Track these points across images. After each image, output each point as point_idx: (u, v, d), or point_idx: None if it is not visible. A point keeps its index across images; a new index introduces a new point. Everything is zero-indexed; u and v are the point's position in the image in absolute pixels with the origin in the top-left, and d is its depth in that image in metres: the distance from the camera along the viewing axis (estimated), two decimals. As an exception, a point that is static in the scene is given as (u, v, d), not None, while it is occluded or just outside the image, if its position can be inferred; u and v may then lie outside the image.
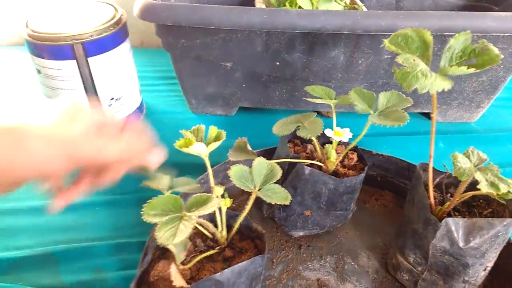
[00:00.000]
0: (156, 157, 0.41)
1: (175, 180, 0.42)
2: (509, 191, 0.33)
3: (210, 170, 0.40)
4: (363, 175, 0.46)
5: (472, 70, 0.33)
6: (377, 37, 0.55)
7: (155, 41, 0.62)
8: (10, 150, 0.32)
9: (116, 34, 0.61)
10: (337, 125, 0.47)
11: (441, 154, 0.62)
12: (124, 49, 0.63)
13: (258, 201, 0.39)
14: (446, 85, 0.33)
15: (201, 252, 0.39)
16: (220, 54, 0.61)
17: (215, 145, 0.39)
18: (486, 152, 0.64)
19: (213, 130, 0.40)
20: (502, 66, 0.60)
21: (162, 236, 0.31)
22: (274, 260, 0.48)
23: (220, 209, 0.39)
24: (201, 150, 0.38)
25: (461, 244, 0.38)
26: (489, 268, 0.41)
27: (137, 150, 0.39)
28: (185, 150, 0.37)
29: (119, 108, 0.66)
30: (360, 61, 0.59)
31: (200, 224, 0.39)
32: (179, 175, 0.43)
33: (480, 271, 0.40)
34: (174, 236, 0.31)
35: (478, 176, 0.34)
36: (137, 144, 0.39)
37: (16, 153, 0.32)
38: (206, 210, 0.33)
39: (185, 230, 0.31)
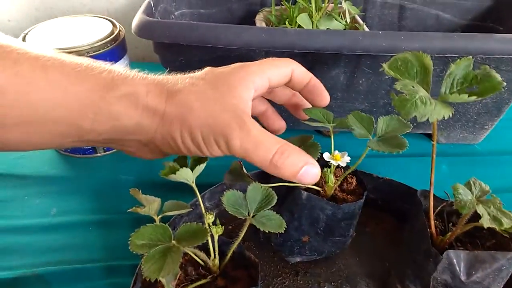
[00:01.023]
0: (311, 172, 0.36)
1: (166, 204, 0.41)
2: (512, 226, 0.31)
3: (199, 197, 0.39)
4: (362, 201, 0.45)
5: (473, 98, 0.32)
6: (378, 57, 0.54)
7: (156, 56, 0.61)
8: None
9: (114, 50, 0.60)
10: (337, 145, 0.45)
11: (444, 177, 0.61)
12: (122, 65, 0.62)
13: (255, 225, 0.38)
14: (446, 112, 0.32)
15: (192, 281, 0.38)
16: (219, 72, 0.60)
17: (200, 169, 0.37)
18: (490, 174, 0.63)
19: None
20: (506, 88, 0.58)
21: (148, 269, 0.30)
22: (271, 287, 0.47)
23: (212, 236, 0.37)
24: (188, 176, 0.36)
25: (463, 278, 0.36)
26: (492, 302, 0.39)
27: (294, 159, 0.36)
28: (172, 177, 0.36)
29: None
30: (360, 81, 0.58)
31: (192, 252, 0.37)
32: (174, 194, 0.42)
33: (483, 305, 0.39)
34: (160, 269, 0.29)
35: (480, 209, 0.33)
36: (295, 152, 0.36)
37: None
38: (196, 241, 0.32)
39: (172, 263, 0.30)
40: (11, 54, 0.31)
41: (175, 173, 0.35)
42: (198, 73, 0.39)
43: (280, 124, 0.48)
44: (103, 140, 0.37)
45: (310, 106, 0.46)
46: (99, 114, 0.34)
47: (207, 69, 0.39)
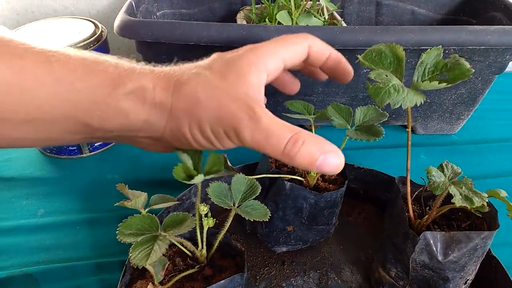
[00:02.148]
0: (331, 162, 0.33)
1: (153, 198, 0.41)
2: (483, 204, 0.33)
3: (199, 192, 0.39)
4: (343, 189, 0.46)
5: (443, 84, 0.33)
6: (356, 51, 0.55)
7: (140, 57, 0.62)
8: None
9: (97, 51, 0.60)
10: (318, 139, 0.47)
11: (423, 166, 0.63)
12: (105, 66, 0.63)
13: (241, 217, 0.39)
14: (419, 99, 0.33)
15: (180, 271, 0.39)
16: (202, 70, 0.61)
17: (211, 175, 0.36)
18: (467, 163, 0.65)
19: (214, 158, 0.37)
20: (480, 79, 0.61)
21: (136, 257, 0.30)
22: (258, 277, 0.48)
23: (201, 227, 0.38)
24: (199, 181, 0.35)
25: (439, 257, 0.38)
26: (470, 281, 0.41)
27: (309, 148, 0.32)
28: (187, 182, 0.34)
29: (101, 125, 0.65)
30: (340, 75, 0.60)
31: (180, 243, 0.38)
32: (160, 191, 0.43)
33: (460, 284, 0.40)
34: (148, 256, 0.30)
35: (452, 190, 0.34)
36: (310, 140, 0.33)
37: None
38: (182, 229, 0.33)
39: (159, 250, 0.31)
40: (15, 49, 0.30)
41: (191, 178, 0.34)
42: (206, 61, 0.36)
43: (295, 83, 0.44)
44: (113, 137, 0.35)
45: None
46: (106, 111, 0.32)
47: (215, 55, 0.36)
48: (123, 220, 0.33)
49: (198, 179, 0.34)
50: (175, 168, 0.34)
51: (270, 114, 0.33)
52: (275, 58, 0.36)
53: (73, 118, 0.32)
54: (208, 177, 0.36)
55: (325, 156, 0.32)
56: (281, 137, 0.32)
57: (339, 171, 0.33)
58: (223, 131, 0.33)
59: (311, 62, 0.40)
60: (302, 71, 0.44)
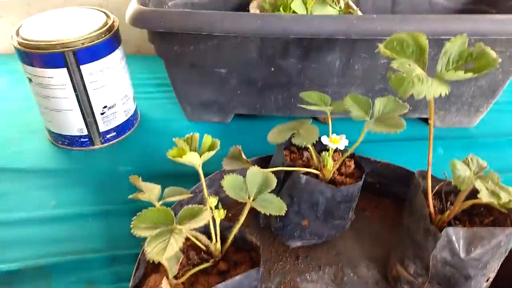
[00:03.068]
0: None
1: (167, 190, 0.41)
2: (510, 200, 0.32)
3: (203, 181, 0.39)
4: (360, 183, 0.45)
5: (469, 74, 0.32)
6: (373, 41, 0.54)
7: (151, 48, 0.61)
8: None
9: (108, 41, 0.60)
10: (334, 131, 0.46)
11: (441, 160, 0.61)
12: (116, 56, 0.62)
13: (255, 211, 0.38)
14: (443, 90, 0.32)
15: (195, 265, 0.38)
16: (214, 60, 0.60)
17: (209, 154, 0.37)
18: (486, 157, 0.63)
19: (207, 139, 0.39)
20: (500, 70, 0.59)
21: (152, 251, 0.30)
22: (271, 272, 0.47)
23: (214, 220, 0.38)
24: (194, 160, 0.36)
25: (462, 254, 0.36)
26: (491, 279, 0.40)
27: None
28: (178, 160, 0.36)
29: (112, 116, 0.65)
30: (356, 66, 0.58)
31: (194, 236, 0.38)
32: (173, 184, 0.42)
33: (482, 282, 0.39)
34: (164, 250, 0.30)
35: (479, 185, 0.33)
36: None
37: None
38: (198, 223, 0.32)
39: (175, 244, 0.30)
40: None
41: (181, 157, 0.34)
42: None
43: None
44: None
45: None
46: None
47: None
48: (137, 214, 0.33)
49: (191, 157, 0.35)
50: (170, 150, 0.35)
51: None
52: None
53: None
54: (205, 157, 0.36)
55: None
56: None
57: None
58: None
59: None
60: None
